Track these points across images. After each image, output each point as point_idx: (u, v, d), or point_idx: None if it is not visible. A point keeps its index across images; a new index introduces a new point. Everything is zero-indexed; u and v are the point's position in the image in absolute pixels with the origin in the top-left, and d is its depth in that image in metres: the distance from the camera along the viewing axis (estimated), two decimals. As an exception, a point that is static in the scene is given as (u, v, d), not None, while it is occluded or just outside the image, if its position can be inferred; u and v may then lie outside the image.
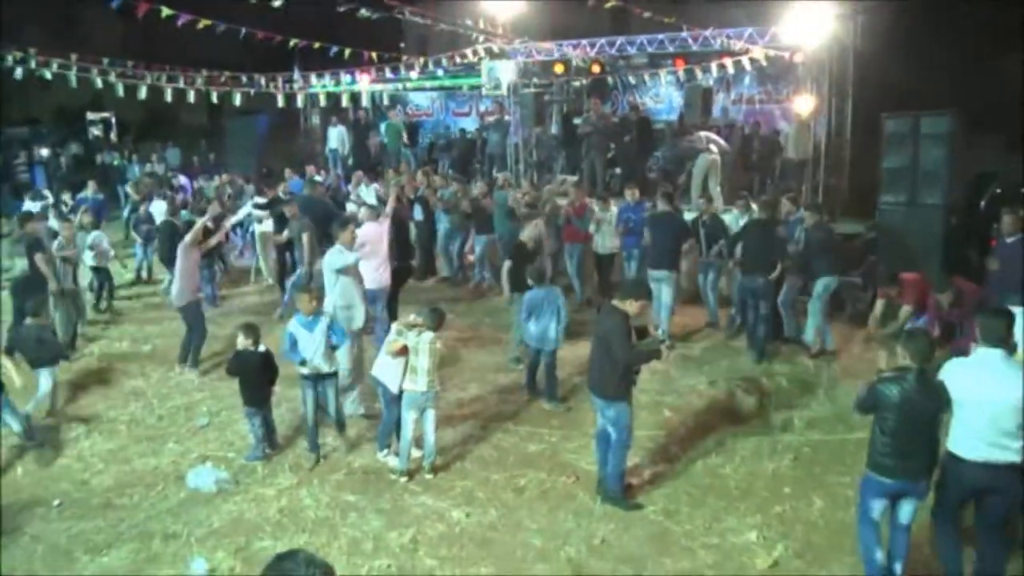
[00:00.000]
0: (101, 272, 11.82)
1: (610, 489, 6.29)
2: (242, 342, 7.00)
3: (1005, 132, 13.81)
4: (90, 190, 15.56)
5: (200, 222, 9.56)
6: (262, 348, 7.06)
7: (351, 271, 7.89)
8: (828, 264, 9.25)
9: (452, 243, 13.15)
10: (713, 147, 12.82)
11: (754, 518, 6.06)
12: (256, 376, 6.97)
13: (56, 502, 6.37)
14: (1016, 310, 5.98)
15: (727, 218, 10.74)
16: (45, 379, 7.97)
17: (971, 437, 4.75)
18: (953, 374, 4.86)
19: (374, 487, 6.58)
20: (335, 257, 7.80)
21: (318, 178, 15.16)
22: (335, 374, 7.07)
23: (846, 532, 5.73)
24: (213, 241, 10.10)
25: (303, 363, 6.79)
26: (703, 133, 13.41)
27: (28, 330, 8.10)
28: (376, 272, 8.92)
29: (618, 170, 14.99)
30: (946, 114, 9.78)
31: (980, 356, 4.88)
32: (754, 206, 10.31)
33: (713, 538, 5.83)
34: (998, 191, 11.40)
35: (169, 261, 11.75)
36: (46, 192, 15.98)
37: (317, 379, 6.92)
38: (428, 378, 6.57)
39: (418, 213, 13.04)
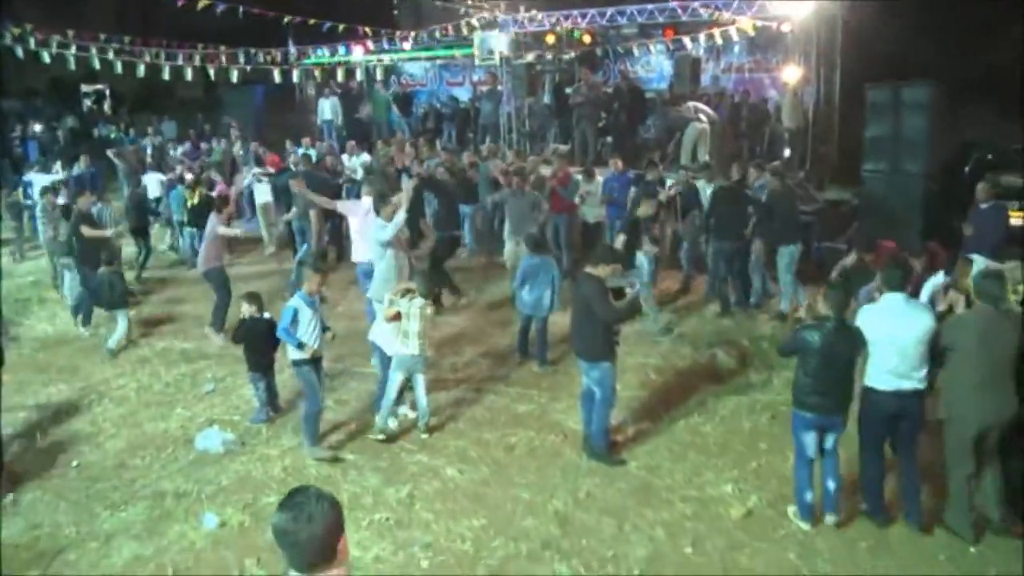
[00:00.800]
0: None
1: (595, 446, 6.65)
2: (247, 310, 7.31)
3: (997, 99, 14.02)
4: (83, 164, 15.73)
5: (238, 230, 10.01)
6: (267, 315, 7.36)
7: (396, 244, 7.99)
8: (792, 229, 9.55)
9: None
10: (702, 116, 13.05)
11: (731, 472, 6.43)
12: (262, 342, 7.25)
13: (74, 463, 6.74)
14: (977, 258, 6.90)
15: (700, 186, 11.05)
16: (121, 319, 9.37)
17: (883, 371, 5.43)
18: (866, 319, 5.54)
19: (372, 447, 6.94)
20: (379, 231, 7.92)
21: (311, 151, 15.36)
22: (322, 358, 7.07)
23: (816, 484, 6.18)
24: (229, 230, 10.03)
25: (300, 346, 6.66)
26: (692, 103, 13.63)
27: (101, 277, 9.21)
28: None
29: (609, 139, 15.22)
30: (926, 84, 10.03)
31: (886, 301, 5.48)
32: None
33: (692, 491, 6.20)
34: (988, 157, 11.65)
35: (137, 232, 12.15)
36: (56, 167, 16.05)
37: (316, 362, 6.86)
38: (419, 341, 6.88)
39: (406, 183, 13.25)
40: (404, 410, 7.41)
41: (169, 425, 7.50)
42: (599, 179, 11.65)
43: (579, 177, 11.84)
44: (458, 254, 12.80)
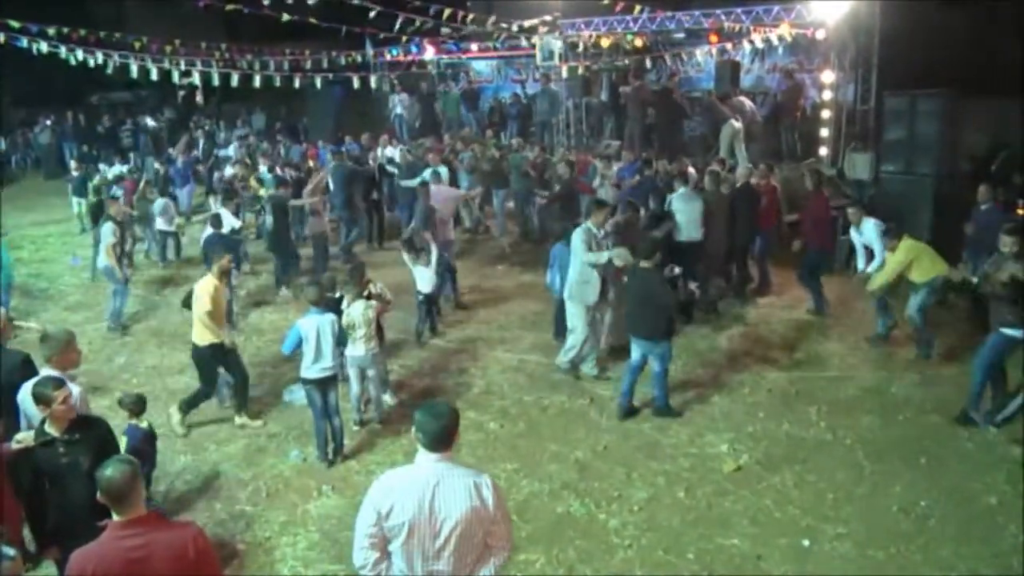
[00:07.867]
0: (169, 234, 13.83)
1: (660, 406, 7.88)
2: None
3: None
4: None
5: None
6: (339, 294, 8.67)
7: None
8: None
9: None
10: (737, 116, 14.01)
11: (729, 435, 7.48)
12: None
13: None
14: (868, 221, 9.07)
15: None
16: None
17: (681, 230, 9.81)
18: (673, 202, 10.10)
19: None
20: (576, 234, 8.49)
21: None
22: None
23: (800, 446, 7.25)
24: None
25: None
26: (738, 99, 14.57)
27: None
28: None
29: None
30: (939, 94, 10.78)
31: (680, 191, 10.00)
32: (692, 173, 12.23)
33: (693, 448, 7.29)
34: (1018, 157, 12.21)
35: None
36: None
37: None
38: (365, 343, 7.61)
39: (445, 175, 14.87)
40: (386, 398, 8.20)
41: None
42: (614, 167, 13.11)
43: (598, 164, 13.50)
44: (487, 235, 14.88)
